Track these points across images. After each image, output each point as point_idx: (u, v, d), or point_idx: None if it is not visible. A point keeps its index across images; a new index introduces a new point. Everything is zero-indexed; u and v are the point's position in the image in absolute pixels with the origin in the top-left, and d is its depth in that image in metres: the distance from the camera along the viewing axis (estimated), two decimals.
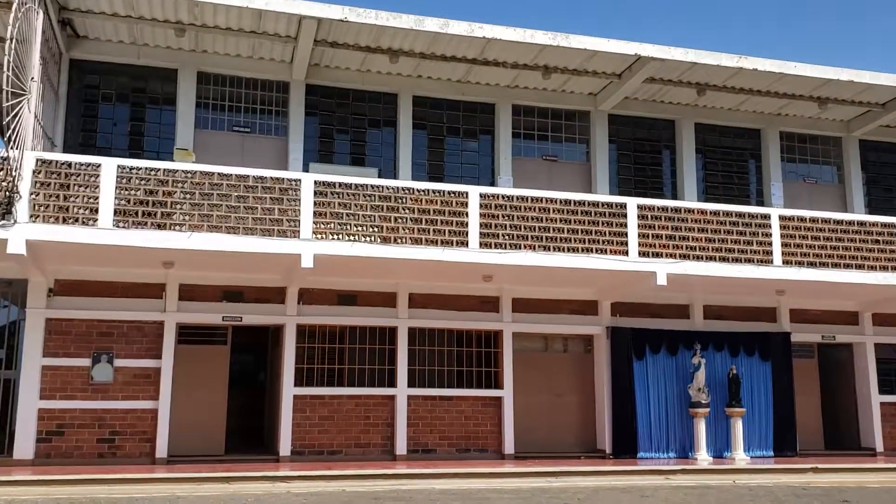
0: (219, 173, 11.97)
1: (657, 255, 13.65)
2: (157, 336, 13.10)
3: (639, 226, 13.66)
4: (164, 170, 11.82)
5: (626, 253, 13.51)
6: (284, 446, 13.37)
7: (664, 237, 13.75)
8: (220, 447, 13.56)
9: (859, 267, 14.51)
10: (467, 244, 12.68)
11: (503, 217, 12.95)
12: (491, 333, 14.80)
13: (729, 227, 14.05)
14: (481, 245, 12.74)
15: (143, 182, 11.63)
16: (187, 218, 11.68)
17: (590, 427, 15.46)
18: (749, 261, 14.03)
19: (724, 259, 13.92)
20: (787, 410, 15.69)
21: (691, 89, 15.81)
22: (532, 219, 13.07)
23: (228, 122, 14.74)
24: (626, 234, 13.56)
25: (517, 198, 13.12)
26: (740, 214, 14.20)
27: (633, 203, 13.78)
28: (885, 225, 14.84)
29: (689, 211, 14.02)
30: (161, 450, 12.80)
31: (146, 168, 11.75)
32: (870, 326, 16.62)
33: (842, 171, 17.71)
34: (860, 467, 14.01)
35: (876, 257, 14.62)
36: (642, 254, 13.58)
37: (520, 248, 12.91)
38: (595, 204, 13.58)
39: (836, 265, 14.39)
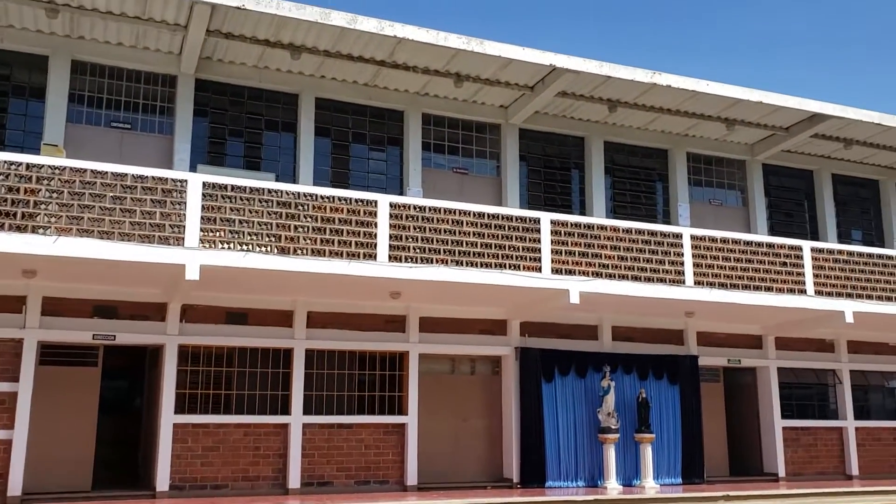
0: (92, 170, 10.50)
1: (570, 272, 13.05)
2: (14, 356, 11.39)
3: (552, 242, 13.03)
4: (27, 164, 10.28)
5: (540, 269, 12.83)
6: (162, 480, 11.87)
7: (577, 254, 13.18)
8: (87, 482, 11.99)
9: (767, 289, 14.36)
10: (375, 257, 11.68)
11: (414, 229, 12.03)
12: (396, 355, 13.79)
13: (641, 246, 13.63)
14: (391, 258, 11.77)
15: (0, 178, 10.06)
16: (53, 220, 10.16)
17: (497, 454, 14.64)
18: (661, 280, 13.62)
19: (636, 278, 13.46)
20: (695, 436, 15.35)
21: (602, 105, 15.46)
22: (445, 232, 12.21)
23: (106, 118, 13.27)
24: (540, 251, 12.90)
25: (430, 209, 12.24)
26: (653, 233, 13.81)
27: (546, 218, 13.15)
28: (791, 247, 14.80)
29: (603, 228, 13.50)
30: (14, 487, 11.06)
31: (5, 161, 10.19)
32: (773, 350, 16.59)
33: (745, 194, 17.78)
34: (769, 493, 13.75)
35: (783, 279, 14.53)
36: (556, 271, 12.94)
37: (432, 262, 12.01)
38: (509, 218, 12.86)
39: (745, 287, 14.19)
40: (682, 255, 13.86)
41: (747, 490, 13.87)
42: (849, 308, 14.84)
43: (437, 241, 12.16)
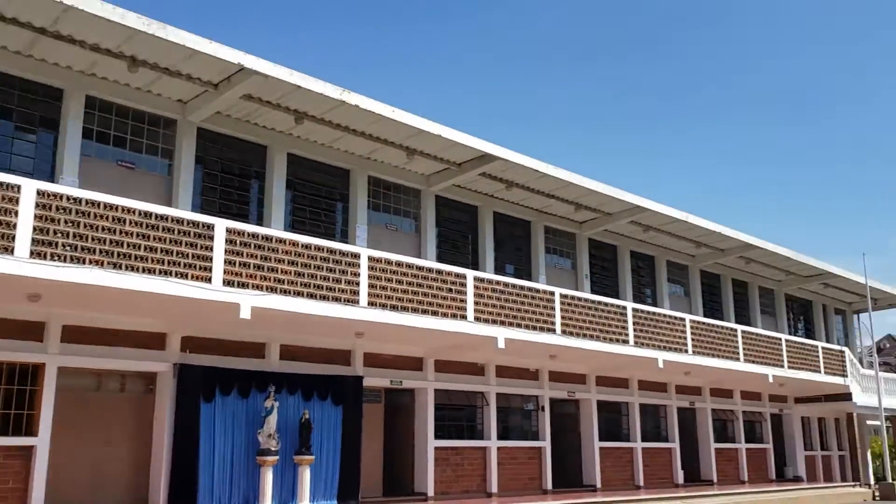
0: None
1: (243, 285, 12.32)
2: None
3: (226, 251, 12.21)
4: None
5: (210, 280, 11.93)
6: None
7: (252, 266, 12.50)
8: None
9: (434, 313, 14.89)
10: (13, 251, 9.92)
11: (66, 223, 10.46)
12: (28, 367, 11.88)
13: (320, 263, 13.34)
14: (32, 254, 10.08)
15: None
16: None
17: (143, 481, 13.27)
18: (337, 299, 13.45)
19: (312, 296, 13.12)
20: (354, 457, 15.34)
21: (289, 116, 15.01)
22: (104, 229, 10.79)
23: None
24: (212, 259, 12.00)
25: (87, 201, 10.75)
26: (332, 251, 13.61)
27: (221, 225, 12.30)
28: (457, 275, 15.53)
29: (282, 241, 12.99)
30: None
31: None
32: (432, 372, 17.28)
33: (419, 222, 18.42)
34: None
35: (448, 304, 15.18)
36: (227, 282, 12.13)
37: (84, 262, 10.52)
38: (180, 221, 11.79)
39: (414, 310, 14.56)
40: (359, 274, 13.83)
41: None
42: (501, 334, 15.95)
43: (94, 238, 10.71)
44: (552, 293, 17.37)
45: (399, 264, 14.60)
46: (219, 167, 15.27)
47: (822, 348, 25.97)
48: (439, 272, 15.25)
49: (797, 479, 26.97)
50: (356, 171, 17.16)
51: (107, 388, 13.33)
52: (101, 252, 10.74)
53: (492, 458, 18.04)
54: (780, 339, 24.14)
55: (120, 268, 10.91)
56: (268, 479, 13.63)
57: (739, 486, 23.67)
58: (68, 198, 10.62)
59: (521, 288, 16.78)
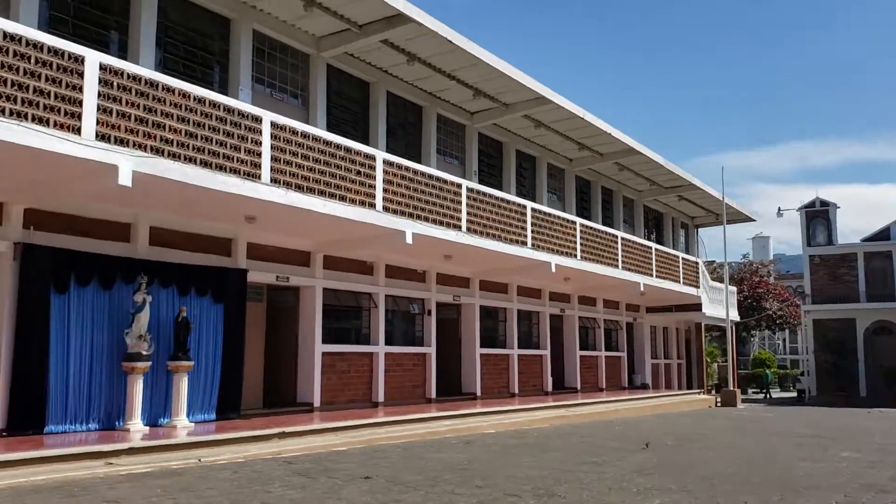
0: None
1: (122, 141, 9.36)
2: None
3: (100, 95, 9.16)
4: None
5: (78, 131, 8.89)
6: None
7: (133, 119, 9.53)
8: None
9: (342, 198, 12.57)
10: None
11: None
12: None
13: (215, 124, 10.54)
14: None
15: None
16: None
17: None
18: (235, 171, 10.76)
19: (206, 164, 10.36)
20: (237, 364, 12.95)
21: None
22: None
23: None
24: (81, 103, 8.93)
25: None
26: (229, 109, 10.81)
27: (94, 59, 9.18)
28: (367, 156, 13.21)
29: (169, 90, 10.02)
30: None
31: None
32: (321, 269, 15.00)
33: (307, 94, 15.69)
34: (319, 428, 12.12)
35: (357, 189, 12.88)
36: (102, 136, 9.13)
37: None
38: (36, 46, 8.57)
39: (321, 192, 12.16)
40: (261, 143, 11.17)
41: (299, 424, 12.01)
42: (409, 228, 13.94)
43: None
44: (459, 185, 15.49)
45: (305, 136, 12.06)
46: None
47: (683, 259, 26.25)
48: (348, 150, 12.84)
49: (644, 387, 27.54)
50: (239, 23, 14.10)
51: None
52: None
53: (379, 364, 16.22)
54: (651, 249, 23.95)
55: None
56: (137, 389, 10.99)
57: (600, 394, 23.57)
58: None
59: (430, 177, 14.74)
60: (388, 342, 16.63)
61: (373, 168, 13.28)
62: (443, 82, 17.91)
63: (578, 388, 23.81)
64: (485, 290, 19.81)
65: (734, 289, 32.57)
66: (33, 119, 8.43)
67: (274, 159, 11.35)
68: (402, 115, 18.33)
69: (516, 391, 20.74)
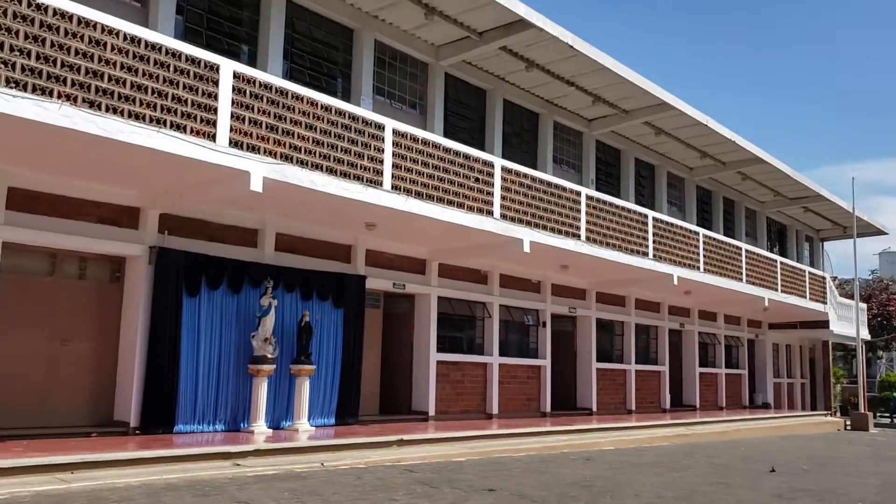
0: None
1: (254, 148, 9.56)
2: None
3: (234, 102, 9.39)
4: None
5: (214, 137, 9.13)
6: None
7: (264, 126, 9.72)
8: None
9: (460, 206, 12.46)
10: None
11: (29, 38, 7.45)
12: None
13: (340, 132, 10.63)
14: None
15: None
16: None
17: (108, 389, 10.64)
18: (359, 178, 10.82)
19: (332, 171, 10.45)
20: (355, 370, 13.03)
21: None
22: (78, 53, 7.84)
23: None
24: (217, 110, 9.17)
25: (50, 8, 7.73)
26: (354, 117, 10.89)
27: (228, 67, 9.42)
28: (485, 162, 13.08)
29: (298, 98, 10.19)
30: None
31: None
32: (436, 277, 14.97)
33: (425, 102, 15.75)
34: (437, 437, 12.03)
35: (475, 197, 12.75)
36: (235, 143, 9.35)
37: (52, 94, 7.58)
38: (176, 55, 8.85)
39: (440, 199, 12.09)
40: (384, 150, 11.20)
41: (417, 433, 11.96)
42: (527, 236, 13.69)
43: (66, 64, 7.76)
44: (578, 193, 15.14)
45: (425, 143, 12.01)
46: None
47: (809, 273, 24.90)
48: (467, 157, 12.73)
49: (765, 407, 26.27)
50: (361, 33, 14.28)
51: (63, 273, 10.46)
52: (73, 83, 7.79)
53: (493, 375, 16.02)
54: (776, 262, 22.83)
55: (93, 107, 7.98)
56: (262, 392, 11.20)
57: (720, 413, 22.60)
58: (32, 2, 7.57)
59: (549, 185, 14.47)
60: (502, 353, 16.40)
61: (491, 175, 13.13)
62: (561, 89, 17.62)
63: (697, 405, 22.91)
64: (601, 303, 19.31)
65: (864, 306, 30.66)
66: (171, 126, 8.70)
67: (395, 166, 11.36)
68: (518, 122, 18.15)
69: (633, 408, 20.11)
